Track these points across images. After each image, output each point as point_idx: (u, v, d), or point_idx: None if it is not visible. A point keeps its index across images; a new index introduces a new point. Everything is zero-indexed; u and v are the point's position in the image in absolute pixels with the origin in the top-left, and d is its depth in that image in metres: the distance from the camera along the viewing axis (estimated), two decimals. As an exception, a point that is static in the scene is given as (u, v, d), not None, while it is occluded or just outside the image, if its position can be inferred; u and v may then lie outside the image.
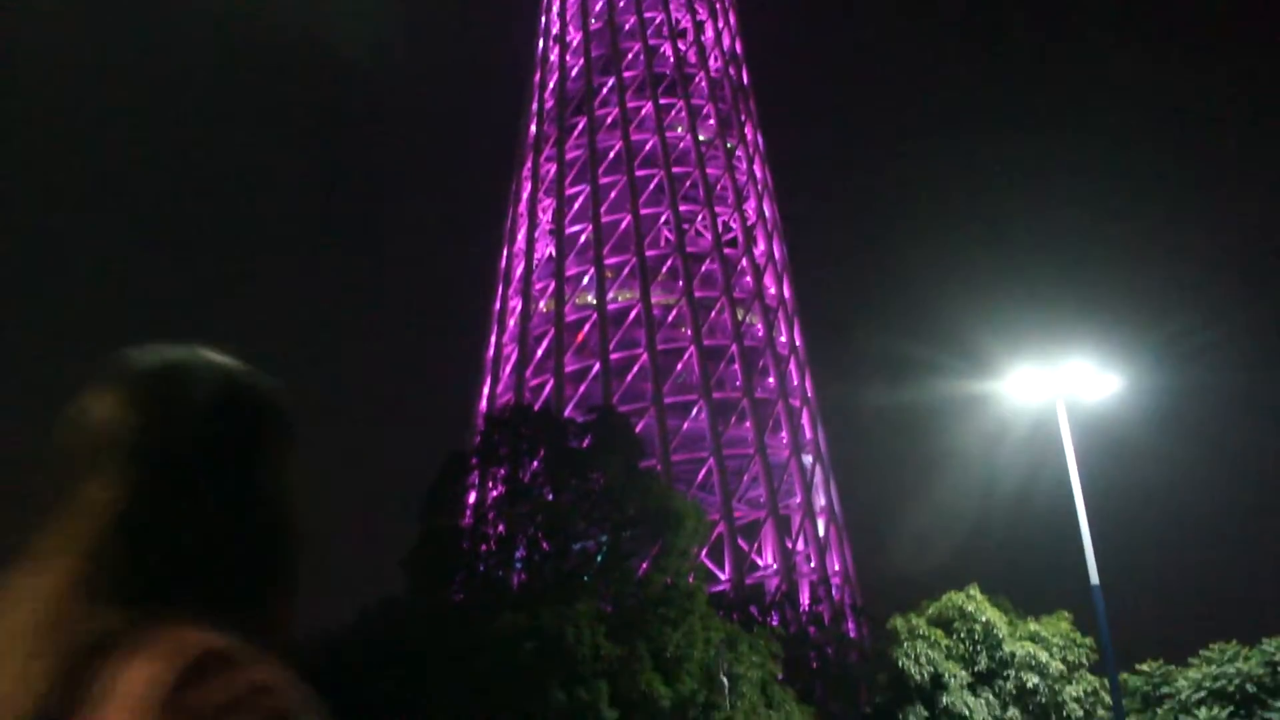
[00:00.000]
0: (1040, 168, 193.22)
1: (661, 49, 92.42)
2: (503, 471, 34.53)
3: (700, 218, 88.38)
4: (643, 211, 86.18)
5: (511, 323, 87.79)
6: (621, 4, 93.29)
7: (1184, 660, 34.77)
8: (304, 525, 1.61)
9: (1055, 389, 27.46)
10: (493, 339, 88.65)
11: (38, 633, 1.40)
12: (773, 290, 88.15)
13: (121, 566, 1.45)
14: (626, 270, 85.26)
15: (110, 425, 1.53)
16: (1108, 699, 31.12)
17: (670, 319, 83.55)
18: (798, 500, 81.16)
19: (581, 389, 79.84)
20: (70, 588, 1.43)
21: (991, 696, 33.70)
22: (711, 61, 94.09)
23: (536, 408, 58.32)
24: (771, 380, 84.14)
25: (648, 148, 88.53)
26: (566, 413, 60.39)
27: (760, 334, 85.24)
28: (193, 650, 1.34)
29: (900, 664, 33.84)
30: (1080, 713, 33.65)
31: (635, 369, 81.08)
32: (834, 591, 77.28)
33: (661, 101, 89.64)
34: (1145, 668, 35.33)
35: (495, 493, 34.82)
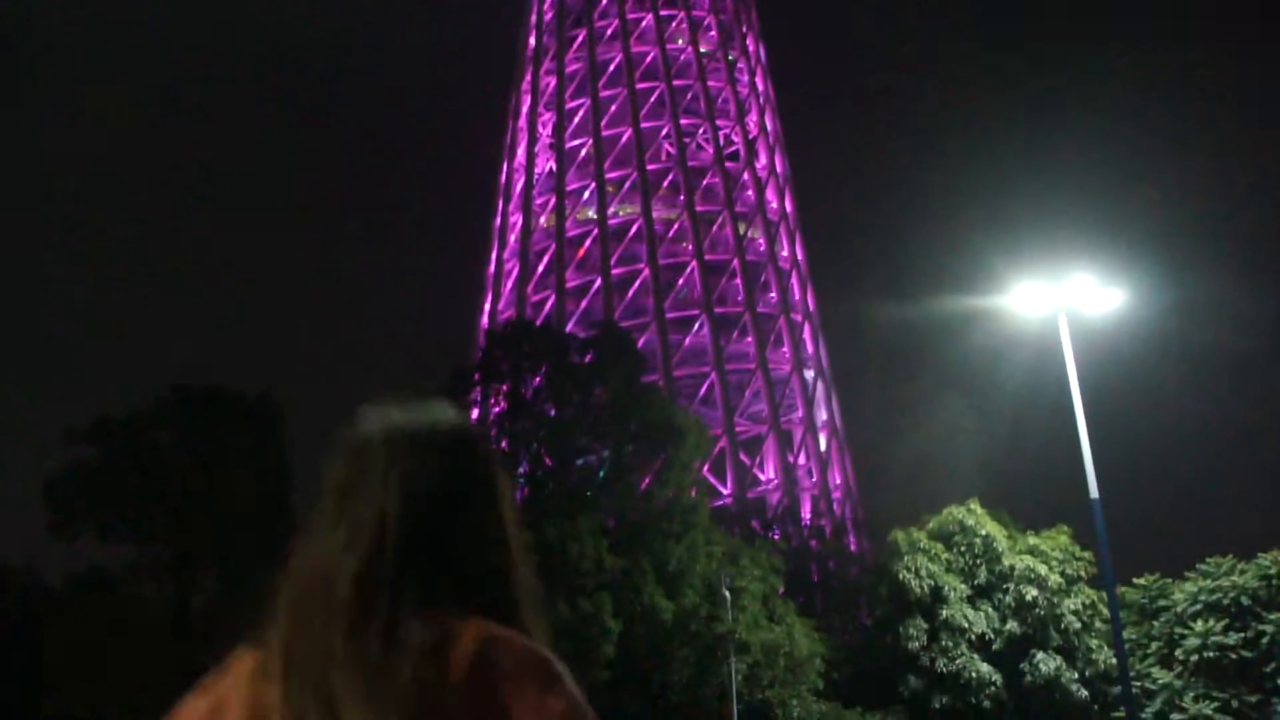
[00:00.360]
0: (1048, 80, 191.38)
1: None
2: (505, 387, 34.51)
3: (701, 131, 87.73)
4: (643, 125, 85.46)
5: (512, 238, 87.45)
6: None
7: (1181, 574, 35.06)
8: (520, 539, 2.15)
9: (1058, 303, 27.40)
10: (493, 255, 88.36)
11: (343, 611, 1.91)
12: (775, 204, 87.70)
13: (395, 569, 1.94)
14: (627, 185, 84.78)
15: (379, 462, 2.04)
16: (1105, 612, 31.42)
17: (671, 234, 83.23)
18: (799, 415, 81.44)
19: (583, 304, 79.78)
20: (359, 582, 1.92)
21: (991, 609, 34.01)
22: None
23: (538, 323, 58.36)
24: (773, 295, 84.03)
25: (648, 60, 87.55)
26: (568, 328, 60.41)
27: (762, 248, 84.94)
28: (483, 626, 1.88)
29: (901, 577, 34.10)
30: (1078, 625, 33.98)
31: (637, 284, 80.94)
32: (835, 506, 77.86)
33: (662, 13, 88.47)
34: (1142, 581, 35.62)
35: (497, 409, 34.85)
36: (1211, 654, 32.12)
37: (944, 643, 33.09)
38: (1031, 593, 33.84)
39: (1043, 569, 34.39)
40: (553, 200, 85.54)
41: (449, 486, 2.07)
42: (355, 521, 2.00)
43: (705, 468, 49.28)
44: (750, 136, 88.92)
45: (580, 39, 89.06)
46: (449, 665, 1.84)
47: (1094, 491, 25.66)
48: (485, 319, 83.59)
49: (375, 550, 1.96)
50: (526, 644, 1.90)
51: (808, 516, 64.31)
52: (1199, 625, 32.60)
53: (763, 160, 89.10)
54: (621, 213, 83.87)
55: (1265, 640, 32.06)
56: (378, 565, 1.95)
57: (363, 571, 1.94)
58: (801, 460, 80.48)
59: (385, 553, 1.96)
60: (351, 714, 1.84)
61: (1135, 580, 35.79)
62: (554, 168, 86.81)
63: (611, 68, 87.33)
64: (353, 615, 1.91)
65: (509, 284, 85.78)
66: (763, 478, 78.69)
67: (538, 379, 34.14)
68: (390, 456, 2.06)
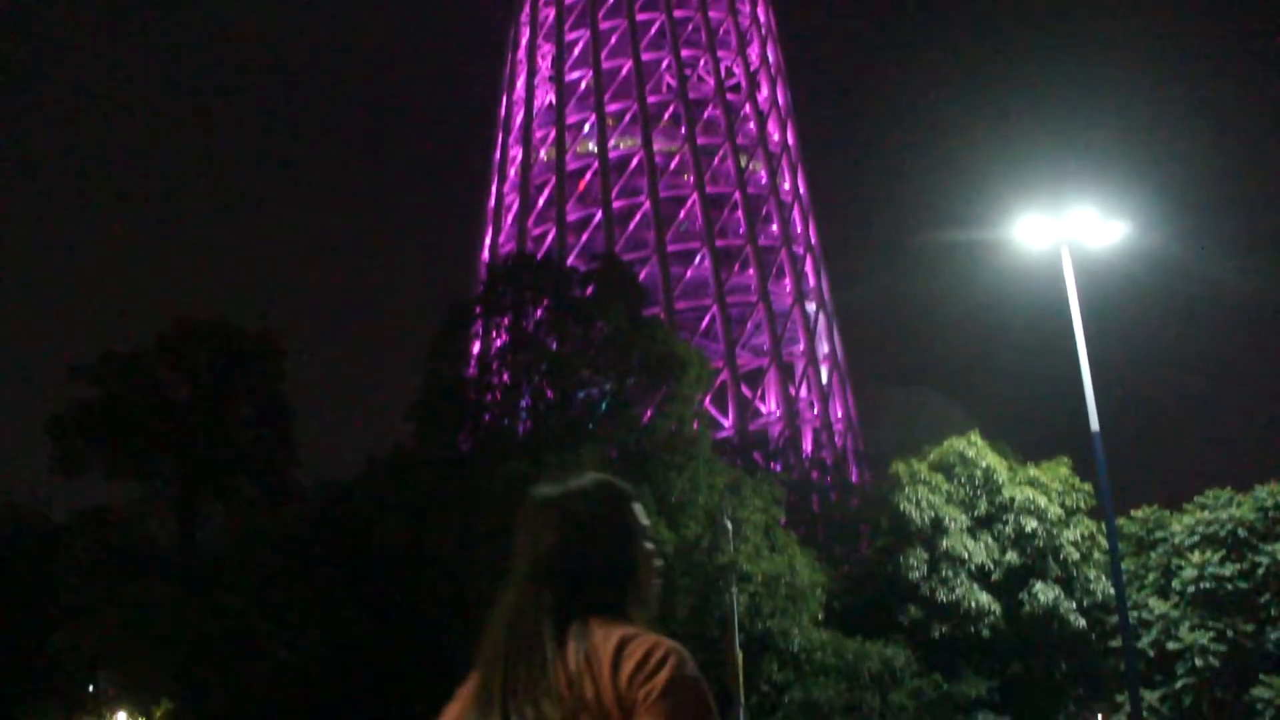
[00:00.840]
0: (1051, 10, 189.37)
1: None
2: (506, 321, 34.50)
3: (702, 63, 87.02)
4: (644, 57, 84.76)
5: (512, 172, 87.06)
6: None
7: (1179, 507, 35.22)
8: (655, 565, 2.91)
9: (1060, 235, 27.34)
10: (494, 188, 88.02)
11: (515, 625, 2.72)
12: (776, 137, 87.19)
13: (555, 587, 2.71)
14: (628, 117, 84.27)
15: (539, 514, 2.83)
16: (1104, 543, 31.62)
17: (672, 166, 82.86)
18: (801, 347, 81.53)
19: (584, 238, 79.59)
20: (526, 599, 2.73)
21: (990, 540, 34.16)
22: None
23: (539, 257, 58.27)
24: (775, 227, 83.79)
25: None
26: (569, 262, 60.23)
27: (763, 181, 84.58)
28: (619, 630, 2.58)
29: (901, 508, 34.22)
30: (1077, 556, 34.16)
31: (638, 217, 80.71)
32: (836, 438, 78.12)
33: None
34: (1140, 513, 35.75)
35: (499, 342, 34.86)
36: (1208, 585, 32.33)
37: (944, 573, 33.29)
38: (1031, 524, 33.98)
39: (1042, 500, 34.50)
40: (552, 133, 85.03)
41: (591, 523, 2.80)
42: (528, 557, 2.79)
43: (707, 400, 49.41)
44: (752, 68, 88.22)
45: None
46: (598, 656, 2.56)
47: (1094, 424, 25.77)
48: (486, 253, 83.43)
49: (538, 574, 2.74)
50: (647, 636, 2.58)
51: (809, 449, 64.61)
52: (1196, 556, 32.78)
53: (764, 92, 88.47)
54: (622, 145, 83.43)
55: (1261, 571, 32.26)
56: (541, 587, 2.73)
57: (529, 591, 2.74)
58: (803, 393, 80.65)
59: (545, 577, 2.74)
60: (521, 701, 2.60)
61: (1133, 512, 35.97)
62: (554, 100, 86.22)
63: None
64: (523, 624, 2.70)
65: (509, 218, 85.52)
66: (764, 410, 78.91)
67: (539, 312, 34.11)
68: (545, 508, 2.83)
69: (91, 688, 38.28)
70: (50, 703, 35.24)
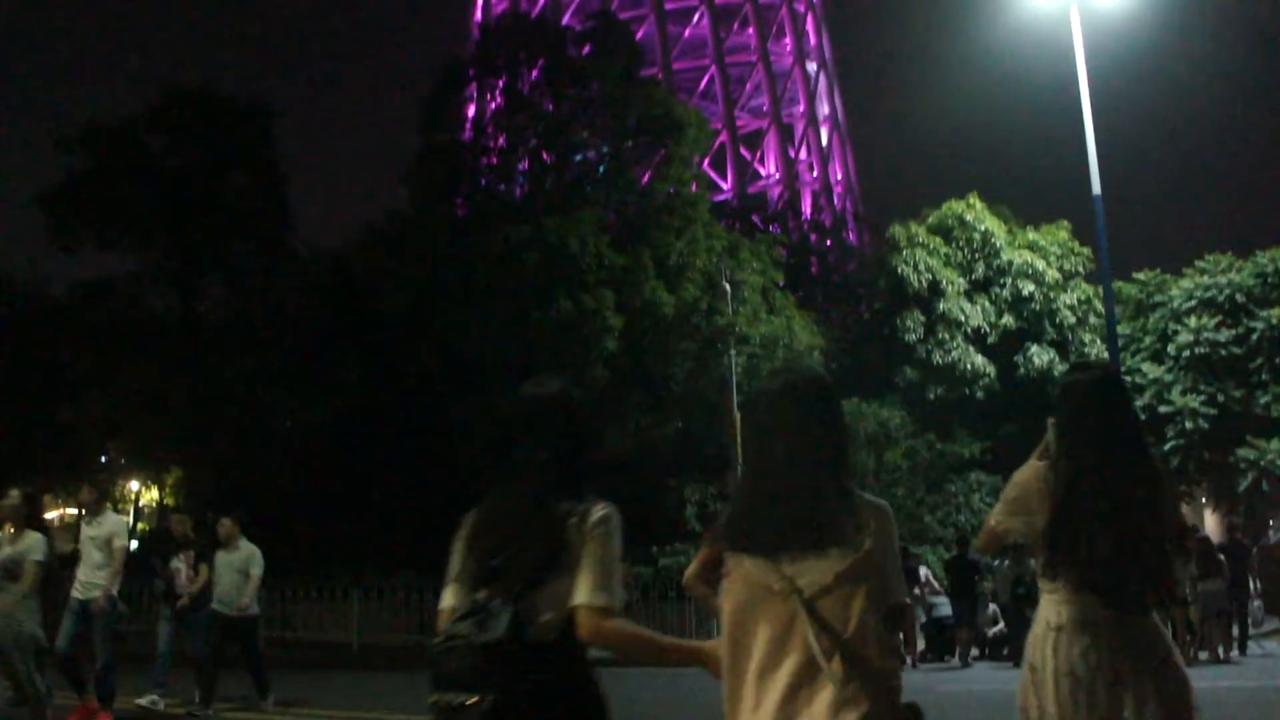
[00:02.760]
0: None
1: None
2: (500, 83, 33.73)
3: None
4: None
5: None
6: None
7: (1179, 271, 35.23)
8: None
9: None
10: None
11: (530, 512, 3.42)
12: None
13: (562, 478, 3.47)
14: None
15: (549, 414, 3.60)
16: (1100, 307, 31.72)
17: (670, -80, 79.81)
18: (801, 109, 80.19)
19: (579, -5, 77.26)
20: (541, 488, 3.45)
21: (987, 303, 34.27)
22: None
23: (533, 15, 56.67)
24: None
25: None
26: (564, 21, 58.63)
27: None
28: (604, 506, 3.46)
29: (899, 271, 34.21)
30: (1073, 320, 34.33)
31: (635, -29, 78.19)
32: (836, 200, 77.70)
33: None
34: (1140, 276, 35.82)
35: (494, 106, 34.18)
36: (1203, 349, 32.62)
37: (940, 335, 33.52)
38: (1029, 287, 34.05)
39: (1041, 264, 34.48)
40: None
41: None
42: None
43: (705, 163, 48.84)
44: None
45: None
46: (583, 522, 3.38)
47: (1096, 187, 25.51)
48: (479, 13, 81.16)
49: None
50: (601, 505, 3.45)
51: (808, 211, 64.25)
52: (1192, 321, 32.96)
53: None
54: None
55: (1255, 336, 32.51)
56: None
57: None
58: (803, 155, 79.75)
59: None
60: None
61: (1134, 275, 36.00)
62: None
63: None
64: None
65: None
66: (763, 173, 78.19)
67: (534, 74, 33.32)
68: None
69: (104, 459, 39.05)
70: (62, 475, 35.97)
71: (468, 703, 3.07)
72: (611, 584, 3.30)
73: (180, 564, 14.78)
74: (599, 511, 3.39)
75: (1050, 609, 4.21)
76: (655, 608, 23.61)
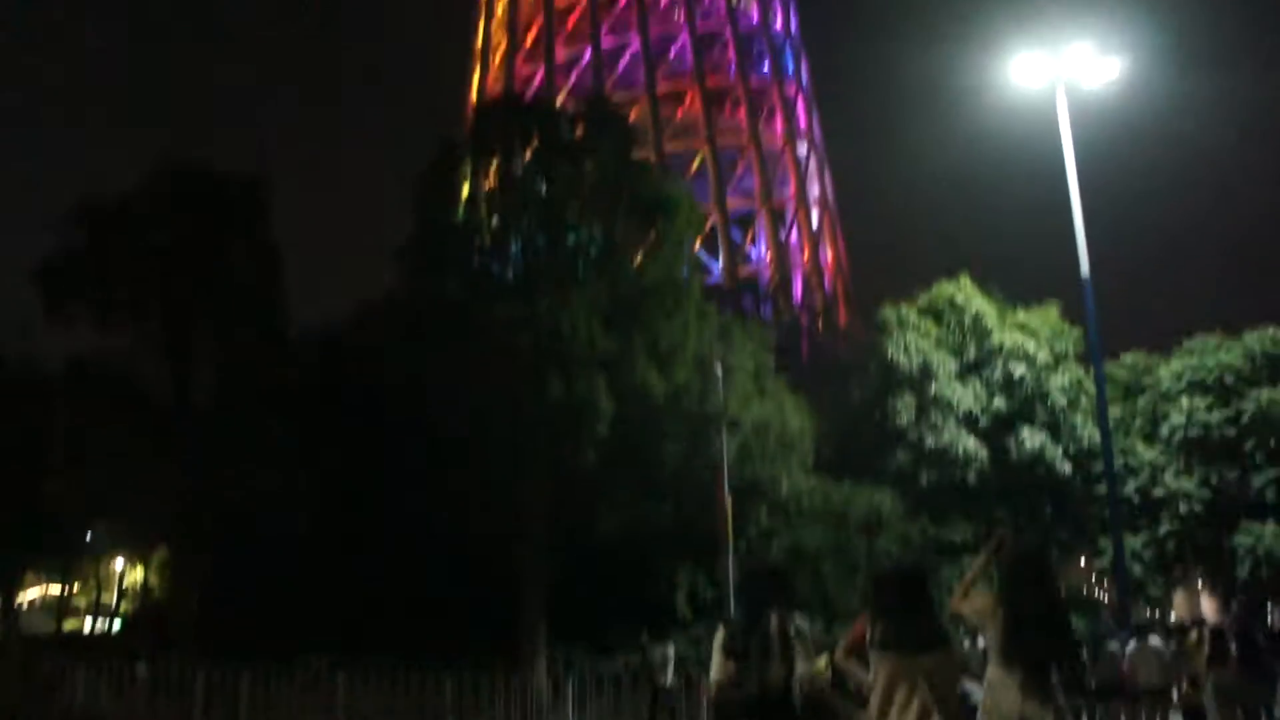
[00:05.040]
0: None
1: None
2: (495, 163, 33.85)
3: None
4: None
5: (500, 9, 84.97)
6: None
7: (1168, 351, 35.32)
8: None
9: (1056, 74, 26.92)
10: (480, 25, 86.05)
11: None
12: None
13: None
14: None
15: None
16: (1091, 389, 31.74)
17: (663, 4, 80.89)
18: (791, 190, 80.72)
19: (573, 78, 78.06)
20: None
21: (979, 386, 34.26)
22: None
23: (527, 96, 57.16)
24: (766, 67, 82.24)
25: None
26: (558, 103, 59.17)
27: (755, 19, 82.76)
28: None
29: (890, 354, 34.26)
30: (1064, 402, 34.32)
31: (627, 57, 79.04)
32: (826, 283, 77.94)
33: None
34: (1129, 359, 35.90)
35: (487, 186, 34.28)
36: (1195, 431, 32.64)
37: (932, 419, 33.49)
38: (1020, 369, 34.07)
39: (1031, 346, 34.54)
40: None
41: None
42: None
43: (697, 246, 49.01)
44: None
45: None
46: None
47: (1085, 269, 25.66)
48: (474, 93, 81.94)
49: None
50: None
51: (799, 293, 64.45)
52: (1183, 403, 33.01)
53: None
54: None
55: (1247, 418, 32.53)
56: None
57: None
58: (793, 237, 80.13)
59: None
60: None
61: (1122, 356, 36.08)
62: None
63: None
64: None
65: (497, 57, 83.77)
66: (754, 255, 78.52)
67: (527, 154, 33.46)
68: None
69: (89, 536, 38.71)
70: (48, 552, 35.62)
71: None
72: None
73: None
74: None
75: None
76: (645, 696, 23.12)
